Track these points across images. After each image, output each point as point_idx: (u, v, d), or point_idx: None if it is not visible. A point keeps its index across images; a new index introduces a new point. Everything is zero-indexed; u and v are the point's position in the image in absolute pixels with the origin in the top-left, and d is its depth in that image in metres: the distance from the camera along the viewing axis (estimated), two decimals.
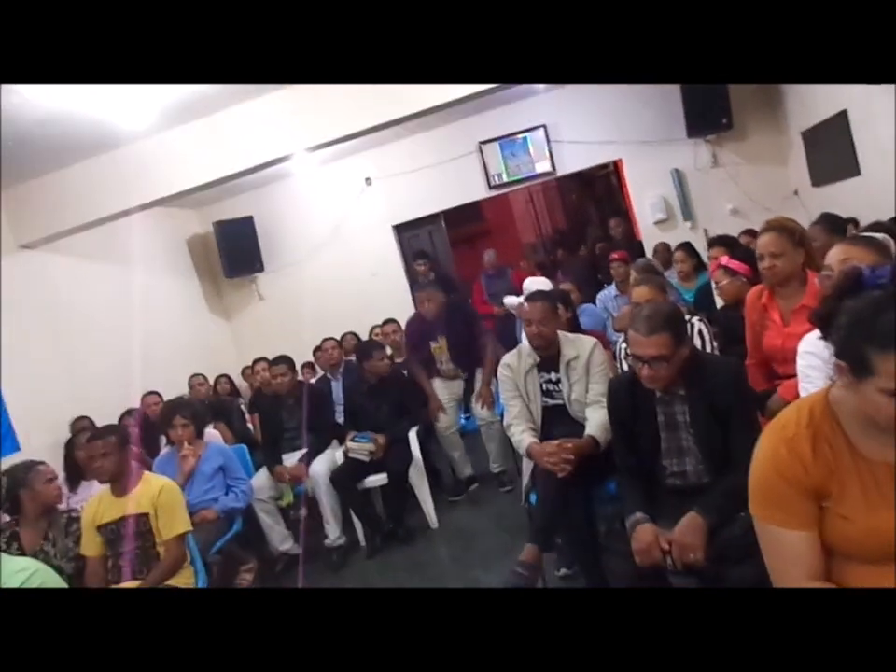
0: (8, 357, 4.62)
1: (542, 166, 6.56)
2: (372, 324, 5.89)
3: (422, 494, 4.02)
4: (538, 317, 2.73)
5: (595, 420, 2.57)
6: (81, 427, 4.32)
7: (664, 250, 5.37)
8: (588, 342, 2.79)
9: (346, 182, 6.89)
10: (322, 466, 3.95)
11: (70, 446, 3.87)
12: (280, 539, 3.97)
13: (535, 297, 2.85)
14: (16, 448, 4.52)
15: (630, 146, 6.30)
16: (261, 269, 6.96)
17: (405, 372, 4.53)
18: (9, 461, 3.96)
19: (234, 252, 6.77)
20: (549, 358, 2.79)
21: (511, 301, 4.51)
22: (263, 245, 6.93)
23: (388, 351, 4.85)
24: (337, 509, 3.95)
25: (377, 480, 3.94)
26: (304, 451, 4.09)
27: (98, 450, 2.89)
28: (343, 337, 5.74)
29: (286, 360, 4.30)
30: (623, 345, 2.81)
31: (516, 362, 2.84)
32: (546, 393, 2.80)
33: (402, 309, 5.99)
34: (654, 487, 2.10)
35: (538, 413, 2.78)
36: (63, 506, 3.19)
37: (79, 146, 4.39)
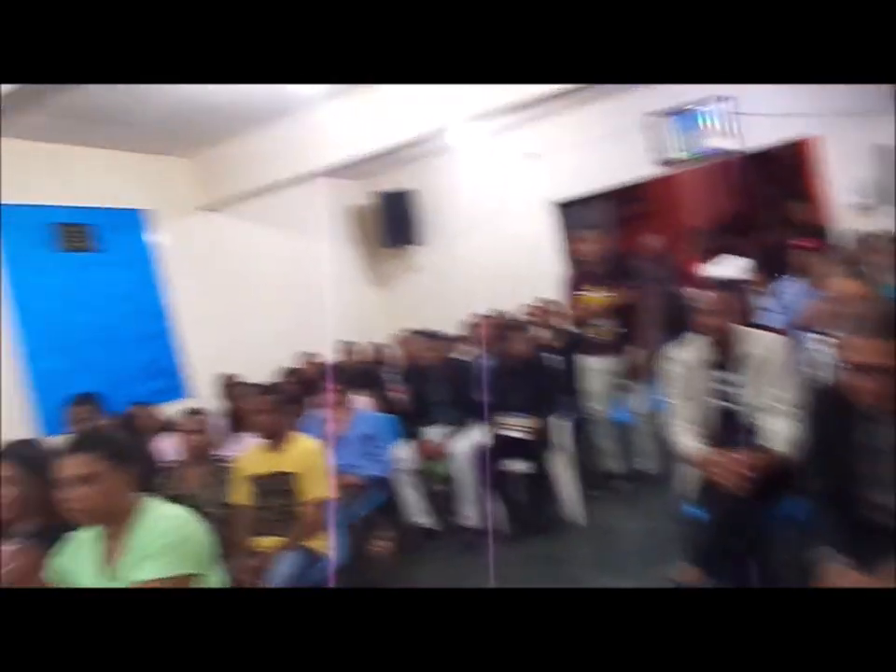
0: (187, 311, 4.98)
1: (722, 142, 6.00)
2: (527, 303, 5.74)
3: (565, 484, 3.83)
4: (717, 307, 2.42)
5: (779, 431, 2.24)
6: (230, 382, 4.53)
7: (864, 239, 4.71)
8: (773, 340, 2.44)
9: (509, 156, 6.72)
10: (465, 443, 3.87)
11: (232, 397, 4.05)
12: (418, 511, 3.95)
13: (715, 283, 2.53)
14: (185, 394, 4.86)
15: (826, 119, 5.57)
16: (419, 241, 7.01)
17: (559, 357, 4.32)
18: (179, 405, 4.27)
19: (394, 223, 6.86)
20: (725, 355, 2.48)
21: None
22: (423, 217, 6.96)
23: (546, 332, 4.69)
24: (476, 489, 3.86)
25: (519, 464, 3.80)
26: (449, 427, 4.03)
27: (261, 405, 2.97)
28: (495, 314, 5.63)
29: (436, 335, 4.25)
30: (818, 347, 2.43)
31: (685, 356, 2.55)
32: (718, 393, 2.49)
33: (555, 289, 5.77)
34: (849, 519, 1.77)
35: (707, 415, 2.49)
36: (220, 454, 3.33)
37: (258, 113, 4.57)
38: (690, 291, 3.97)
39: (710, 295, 2.50)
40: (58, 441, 2.30)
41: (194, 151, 5.13)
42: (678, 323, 4.91)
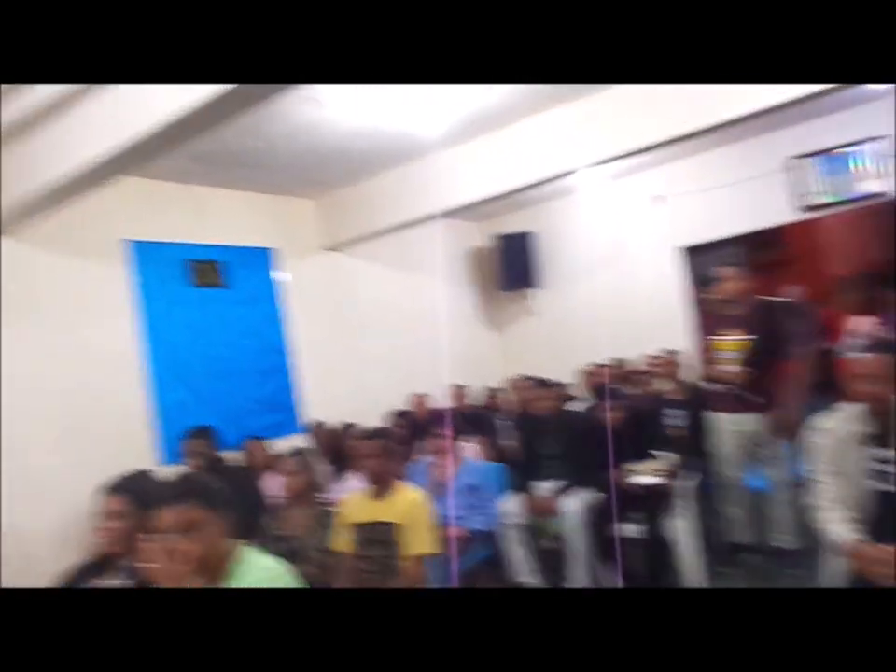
0: (306, 348, 5.09)
1: (873, 186, 5.49)
2: (645, 352, 5.46)
3: (686, 555, 3.49)
4: (874, 371, 2.10)
5: None
6: (319, 430, 4.51)
7: None
8: None
9: (633, 200, 6.48)
10: (577, 502, 3.63)
11: (338, 438, 4.06)
12: (523, 569, 3.74)
13: (878, 347, 2.21)
14: (300, 430, 4.92)
15: None
16: (536, 285, 6.87)
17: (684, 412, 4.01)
18: (290, 440, 4.33)
19: (511, 266, 6.77)
20: (883, 427, 2.15)
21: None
22: (541, 260, 6.84)
23: (668, 385, 4.42)
24: (586, 552, 3.60)
25: (635, 528, 3.52)
26: (561, 482, 3.81)
27: (367, 450, 2.90)
28: (610, 363, 5.38)
29: (551, 383, 4.07)
30: None
31: (837, 427, 2.24)
32: (877, 474, 2.16)
33: (680, 339, 5.46)
34: None
35: (860, 497, 2.15)
36: (324, 496, 3.30)
37: (382, 157, 4.66)
38: (840, 349, 3.58)
39: (866, 357, 2.18)
40: (172, 473, 2.32)
41: (320, 193, 5.30)
42: (825, 386, 4.46)
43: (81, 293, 3.91)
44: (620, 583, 3.48)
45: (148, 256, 4.23)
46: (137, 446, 3.92)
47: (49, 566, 2.43)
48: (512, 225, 6.91)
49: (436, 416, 3.90)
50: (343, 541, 2.88)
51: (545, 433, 4.00)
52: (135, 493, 2.15)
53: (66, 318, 3.80)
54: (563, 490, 3.73)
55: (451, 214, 5.26)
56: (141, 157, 2.93)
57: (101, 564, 2.21)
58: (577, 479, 3.72)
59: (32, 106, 2.88)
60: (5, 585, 2.09)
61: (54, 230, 3.70)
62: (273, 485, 3.44)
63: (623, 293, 6.42)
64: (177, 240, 4.41)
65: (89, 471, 2.81)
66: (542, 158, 4.40)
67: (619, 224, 6.53)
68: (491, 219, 7.08)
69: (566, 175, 4.53)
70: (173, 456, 3.83)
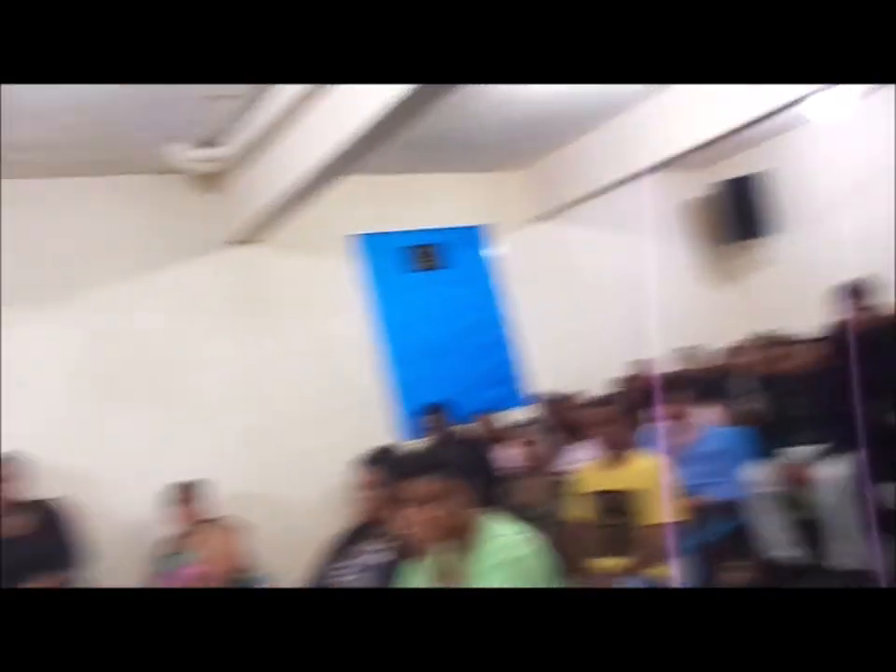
0: (524, 320, 5.13)
1: None
2: None
3: None
4: None
5: None
6: (545, 401, 4.45)
7: None
8: None
9: (884, 119, 5.56)
10: (837, 469, 3.25)
11: (565, 408, 4.03)
12: (776, 542, 3.44)
13: None
14: (522, 403, 4.97)
15: None
16: (771, 231, 6.22)
17: None
18: (516, 413, 4.40)
19: (739, 214, 6.21)
20: None
21: None
22: (774, 203, 6.17)
23: None
24: (849, 525, 3.21)
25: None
26: (815, 447, 3.44)
27: (600, 417, 2.85)
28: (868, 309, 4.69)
29: (795, 338, 3.67)
30: None
31: None
32: None
33: None
34: None
35: None
36: (555, 466, 3.31)
37: (586, 116, 4.52)
38: None
39: None
40: (413, 446, 2.47)
41: (528, 163, 5.28)
42: None
43: (318, 289, 4.34)
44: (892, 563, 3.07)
45: (372, 247, 4.56)
46: (379, 424, 4.23)
47: (310, 536, 2.72)
48: (736, 169, 6.31)
49: (668, 381, 3.69)
50: (579, 510, 2.87)
51: (795, 394, 3.63)
52: (387, 464, 2.33)
53: (308, 314, 4.26)
54: (820, 456, 3.36)
55: (665, 166, 4.94)
56: (360, 152, 3.13)
57: (360, 531, 2.42)
58: (837, 442, 3.32)
59: (265, 122, 3.21)
60: (269, 557, 2.38)
61: (288, 233, 4.10)
62: (505, 456, 3.52)
63: (879, 229, 5.56)
64: (397, 228, 4.67)
65: (339, 450, 3.08)
66: (765, 87, 3.93)
67: (868, 150, 5.66)
68: (710, 166, 6.52)
69: (796, 102, 4.01)
70: (412, 432, 4.09)
